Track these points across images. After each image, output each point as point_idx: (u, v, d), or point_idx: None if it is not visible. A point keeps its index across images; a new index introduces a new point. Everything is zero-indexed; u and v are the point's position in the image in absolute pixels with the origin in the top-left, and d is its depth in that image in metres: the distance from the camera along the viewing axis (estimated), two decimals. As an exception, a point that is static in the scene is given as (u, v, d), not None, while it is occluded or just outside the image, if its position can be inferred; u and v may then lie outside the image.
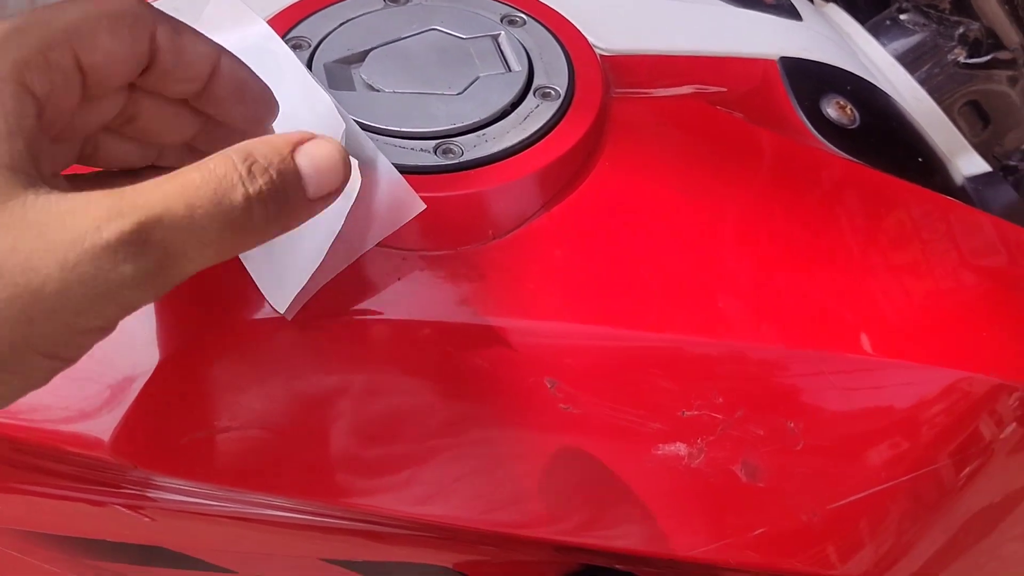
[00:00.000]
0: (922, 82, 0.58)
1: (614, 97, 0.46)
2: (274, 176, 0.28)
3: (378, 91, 0.44)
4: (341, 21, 0.48)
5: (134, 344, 0.39)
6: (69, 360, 0.27)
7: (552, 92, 0.45)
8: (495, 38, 0.47)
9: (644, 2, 0.53)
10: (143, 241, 0.26)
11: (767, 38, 0.53)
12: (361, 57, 0.46)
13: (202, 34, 0.33)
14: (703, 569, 0.46)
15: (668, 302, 0.41)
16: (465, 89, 0.44)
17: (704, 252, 0.42)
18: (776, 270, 0.42)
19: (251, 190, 0.28)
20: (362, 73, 0.45)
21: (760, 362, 0.41)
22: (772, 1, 0.56)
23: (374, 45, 0.46)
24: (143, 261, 0.26)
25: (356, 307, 0.40)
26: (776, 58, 0.51)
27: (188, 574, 0.50)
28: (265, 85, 0.35)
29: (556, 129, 0.43)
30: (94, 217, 0.25)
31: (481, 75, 0.45)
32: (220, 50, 0.33)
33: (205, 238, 0.27)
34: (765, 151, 0.46)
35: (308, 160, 0.29)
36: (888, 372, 0.42)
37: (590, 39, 0.49)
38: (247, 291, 0.39)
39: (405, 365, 0.40)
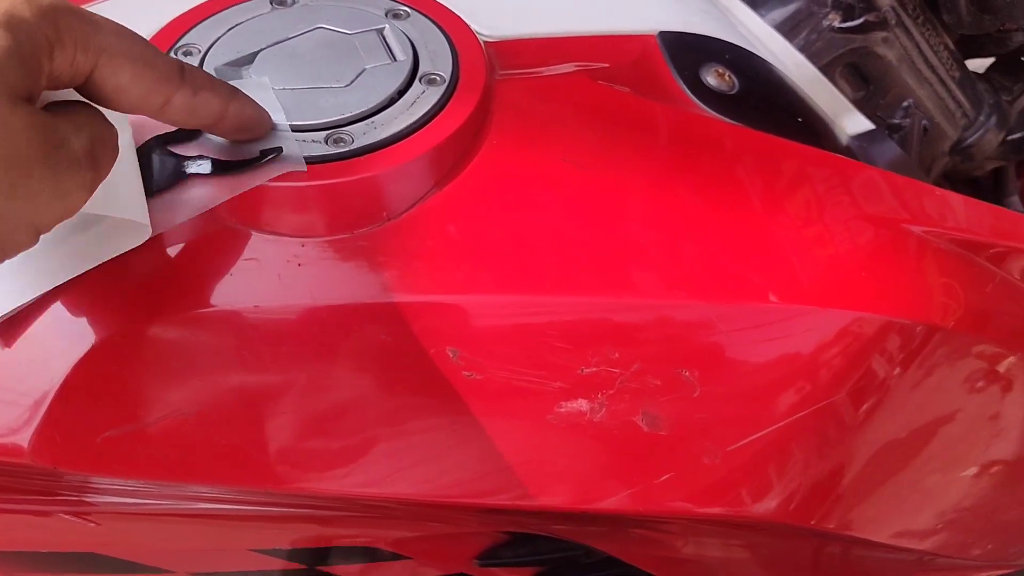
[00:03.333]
0: (801, 49, 0.61)
1: (499, 79, 0.48)
2: None
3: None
4: (229, 26, 0.49)
5: (46, 349, 0.40)
6: None
7: (437, 78, 0.46)
8: (380, 31, 0.49)
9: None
10: None
11: (646, 15, 0.55)
12: (250, 59, 0.47)
13: (218, 84, 0.38)
14: (625, 522, 0.48)
15: (562, 267, 0.43)
16: (352, 81, 0.46)
17: (595, 218, 0.44)
18: (665, 229, 0.44)
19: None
20: (252, 73, 0.46)
21: (651, 315, 0.43)
22: (649, -21, 0.58)
23: (262, 47, 0.47)
24: None
25: (257, 296, 0.41)
26: (655, 32, 0.54)
27: (126, 579, 0.51)
28: (265, 114, 0.41)
29: (442, 112, 0.45)
30: None
31: (367, 67, 0.46)
32: (231, 97, 0.38)
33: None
34: (650, 120, 0.48)
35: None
36: (782, 318, 0.44)
37: (474, 27, 0.51)
38: (152, 288, 0.40)
39: (312, 349, 0.41)
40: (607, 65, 0.51)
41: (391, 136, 0.43)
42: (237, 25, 0.49)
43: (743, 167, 0.47)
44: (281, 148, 0.41)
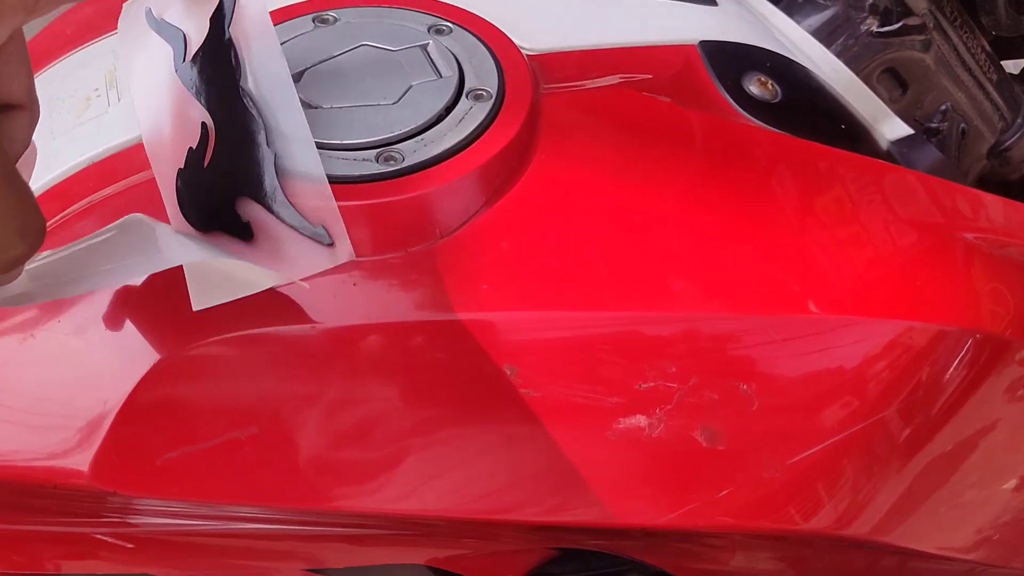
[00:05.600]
0: (838, 54, 0.61)
1: (544, 93, 0.48)
2: None
3: (316, 108, 0.45)
4: None
5: (106, 369, 0.40)
6: None
7: (484, 94, 0.46)
8: (424, 48, 0.49)
9: (565, 1, 0.55)
10: None
11: (685, 24, 0.55)
12: (297, 78, 0.47)
13: None
14: (675, 536, 0.48)
15: (615, 282, 0.42)
16: (400, 98, 0.45)
17: (646, 231, 0.44)
18: (718, 242, 0.44)
19: None
20: (299, 93, 0.46)
21: (708, 331, 0.43)
22: (687, -10, 0.58)
23: (308, 66, 0.47)
24: None
25: (316, 317, 0.41)
26: (696, 43, 0.53)
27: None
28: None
29: (491, 128, 0.45)
30: None
31: (414, 83, 0.46)
32: None
33: None
34: (696, 130, 0.48)
35: None
36: (832, 329, 0.44)
37: (516, 41, 0.51)
38: (211, 307, 0.40)
39: (369, 369, 0.41)
40: (650, 76, 0.51)
41: (442, 153, 0.43)
42: (285, 43, 0.49)
43: (790, 176, 0.47)
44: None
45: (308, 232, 0.40)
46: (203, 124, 0.42)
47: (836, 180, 0.48)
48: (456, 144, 0.44)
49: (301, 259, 0.40)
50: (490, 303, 0.41)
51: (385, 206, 0.42)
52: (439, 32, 0.50)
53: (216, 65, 0.43)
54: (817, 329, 0.44)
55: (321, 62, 0.48)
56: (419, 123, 0.44)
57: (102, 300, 0.42)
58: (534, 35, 0.51)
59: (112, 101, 0.49)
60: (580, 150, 0.46)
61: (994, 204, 0.50)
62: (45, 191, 0.47)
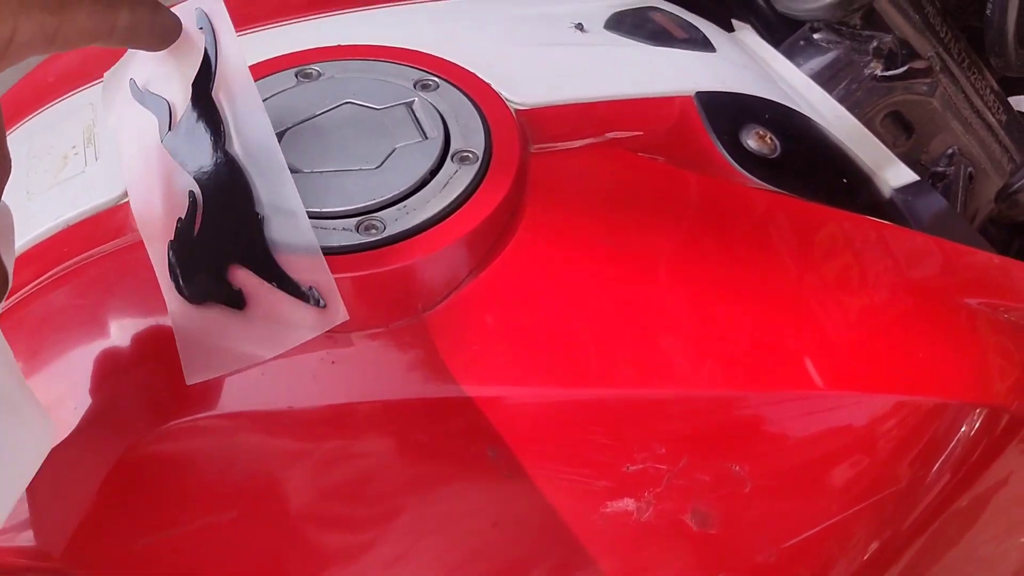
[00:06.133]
0: (842, 99, 0.59)
1: (533, 153, 0.46)
2: None
3: (297, 172, 0.44)
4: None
5: (79, 454, 0.39)
6: None
7: (470, 155, 0.45)
8: (409, 106, 0.47)
9: (556, 52, 0.53)
10: None
11: (681, 74, 0.53)
12: (278, 138, 0.46)
13: None
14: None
15: (601, 356, 0.41)
16: (383, 162, 0.44)
17: (635, 302, 0.42)
18: (709, 314, 0.42)
19: None
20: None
21: (698, 408, 0.41)
22: (684, 35, 0.56)
23: (289, 125, 0.46)
24: None
25: (291, 396, 0.39)
26: (692, 93, 0.52)
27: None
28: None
29: (476, 193, 0.43)
30: None
31: (398, 145, 0.45)
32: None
33: None
34: (689, 193, 0.46)
35: None
36: (829, 406, 0.42)
37: (505, 95, 0.49)
38: (182, 389, 0.39)
39: (348, 451, 0.40)
40: (643, 133, 0.49)
41: (424, 222, 0.42)
42: (266, 100, 0.47)
43: (785, 242, 0.46)
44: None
45: (301, 295, 0.38)
46: (190, 192, 0.40)
47: (834, 246, 0.46)
48: (439, 212, 0.42)
49: (295, 323, 0.38)
50: (472, 381, 0.40)
51: (364, 279, 0.40)
52: (425, 87, 0.48)
53: (201, 131, 0.42)
54: (813, 406, 0.42)
55: (303, 121, 0.46)
56: (401, 189, 0.43)
57: (78, 375, 0.41)
58: (524, 88, 0.50)
59: (89, 160, 0.48)
60: (568, 217, 0.44)
61: (996, 266, 0.49)
62: (20, 254, 0.46)
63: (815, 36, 0.60)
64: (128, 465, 0.38)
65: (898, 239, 0.48)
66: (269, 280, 0.39)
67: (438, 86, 0.48)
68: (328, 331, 0.39)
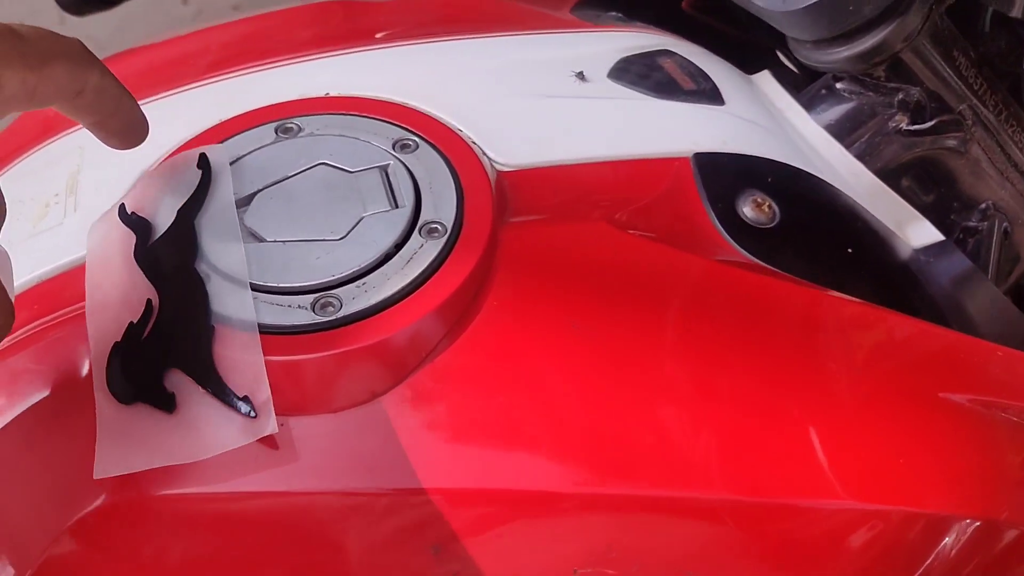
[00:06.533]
0: (863, 152, 0.56)
1: (508, 224, 0.44)
2: None
3: (260, 240, 0.43)
4: (232, 159, 0.47)
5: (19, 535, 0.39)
6: None
7: (439, 228, 0.43)
8: (384, 169, 0.46)
9: (551, 105, 0.51)
10: None
11: (682, 132, 0.51)
12: (247, 201, 0.45)
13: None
14: None
15: (553, 455, 0.39)
16: (348, 232, 0.43)
17: (598, 396, 0.40)
18: (677, 410, 0.41)
19: None
20: (246, 220, 0.44)
21: (652, 510, 0.39)
22: (691, 86, 0.54)
23: (259, 187, 0.45)
24: None
25: (228, 482, 0.39)
26: (690, 155, 0.49)
27: None
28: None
29: (439, 272, 0.42)
30: None
31: (365, 214, 0.44)
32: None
33: None
34: (668, 275, 0.44)
35: None
36: (800, 513, 0.40)
37: (490, 154, 0.47)
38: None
39: (285, 540, 0.39)
40: (631, 201, 0.47)
41: (380, 302, 0.41)
42: (238, 159, 0.47)
43: (767, 335, 0.43)
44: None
45: (232, 404, 0.38)
46: (148, 300, 0.40)
47: (819, 338, 0.44)
48: (397, 291, 0.41)
49: (221, 432, 0.38)
50: (416, 476, 0.39)
51: (312, 363, 0.39)
52: (404, 147, 0.47)
53: (174, 249, 0.42)
54: (782, 515, 0.40)
55: (274, 184, 0.45)
56: (363, 264, 0.42)
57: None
58: (509, 147, 0.48)
59: (68, 211, 0.48)
60: (539, 298, 0.42)
61: (997, 358, 0.45)
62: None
63: (837, 85, 0.56)
64: (60, 550, 0.38)
65: (888, 328, 0.45)
66: (205, 386, 0.38)
67: (417, 147, 0.47)
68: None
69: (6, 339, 0.43)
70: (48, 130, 0.54)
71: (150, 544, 0.39)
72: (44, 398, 0.40)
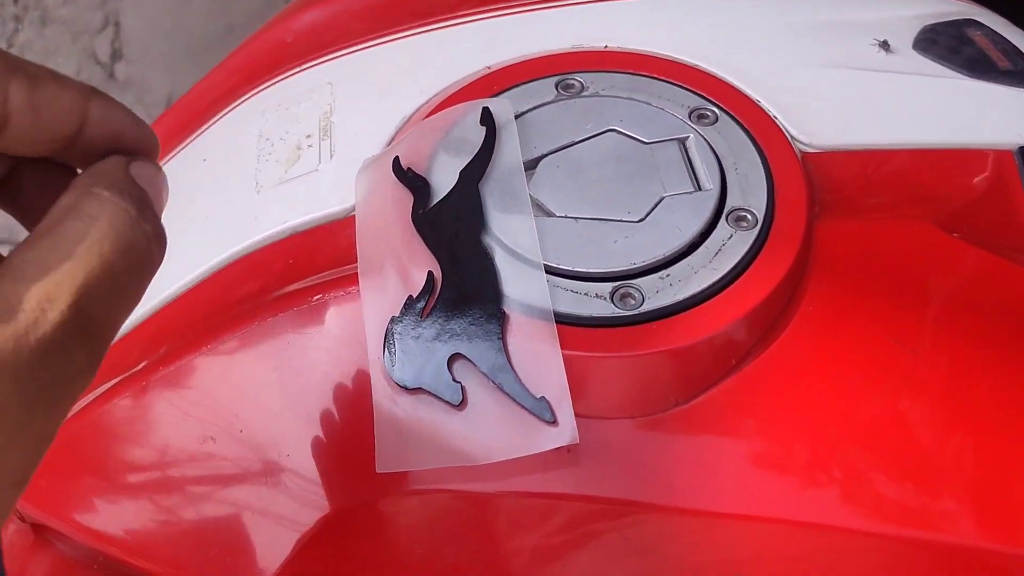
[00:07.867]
0: None
1: (822, 218, 0.39)
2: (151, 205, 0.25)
3: (548, 215, 0.39)
4: (514, 114, 0.42)
5: (277, 518, 0.37)
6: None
7: (748, 218, 0.39)
8: (682, 142, 0.41)
9: (856, 78, 0.45)
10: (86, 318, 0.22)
11: (1003, 119, 0.45)
12: (532, 164, 0.41)
13: (67, 80, 0.26)
14: None
15: (864, 488, 0.35)
16: (647, 214, 0.38)
17: (926, 427, 0.36)
18: (1013, 456, 0.36)
19: (149, 228, 0.24)
20: (532, 190, 0.40)
21: (981, 565, 0.35)
22: (1008, 65, 0.47)
23: (545, 152, 0.41)
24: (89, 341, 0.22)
25: (519, 480, 0.35)
26: (1014, 148, 0.43)
27: None
28: (146, 126, 0.28)
29: (750, 269, 0.37)
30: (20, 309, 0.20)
31: (666, 195, 0.39)
32: (89, 94, 0.26)
33: (126, 292, 0.23)
34: (1003, 293, 0.39)
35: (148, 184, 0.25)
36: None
37: (792, 132, 0.42)
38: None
39: (575, 544, 0.36)
40: (950, 198, 0.42)
41: (688, 299, 0.36)
42: (520, 116, 0.42)
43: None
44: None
45: (528, 405, 0.34)
46: (429, 273, 0.36)
47: None
48: (706, 288, 0.36)
49: (516, 436, 0.34)
50: (723, 499, 0.35)
51: (615, 362, 0.35)
52: (702, 118, 0.42)
53: (458, 217, 0.38)
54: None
55: (560, 149, 0.41)
56: (666, 253, 0.37)
57: (291, 424, 0.38)
58: (814, 125, 0.43)
59: (324, 157, 0.44)
60: (856, 313, 0.38)
61: None
62: (248, 254, 0.43)
63: None
64: (331, 526, 0.36)
65: None
66: (495, 381, 0.34)
67: (717, 119, 0.42)
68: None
69: (269, 293, 0.40)
70: (296, 54, 0.50)
71: (411, 536, 0.36)
72: (310, 366, 0.37)
